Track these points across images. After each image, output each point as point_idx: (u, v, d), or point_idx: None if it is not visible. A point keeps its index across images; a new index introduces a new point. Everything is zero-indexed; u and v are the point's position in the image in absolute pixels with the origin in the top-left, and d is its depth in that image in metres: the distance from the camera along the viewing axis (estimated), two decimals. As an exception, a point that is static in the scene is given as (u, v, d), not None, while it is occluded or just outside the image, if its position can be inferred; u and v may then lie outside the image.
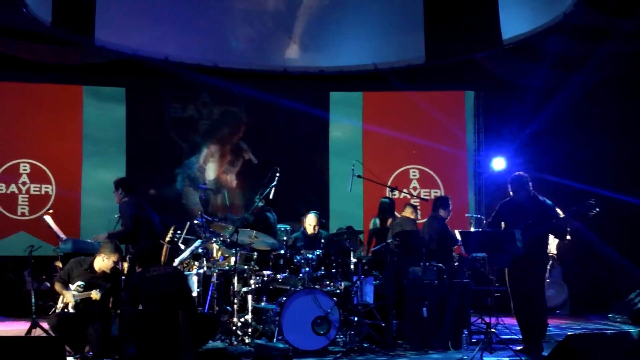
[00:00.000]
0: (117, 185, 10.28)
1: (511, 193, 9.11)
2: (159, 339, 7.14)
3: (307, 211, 11.32)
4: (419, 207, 11.97)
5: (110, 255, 8.65)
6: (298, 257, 9.55)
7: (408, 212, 11.12)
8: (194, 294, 9.88)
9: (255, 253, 10.10)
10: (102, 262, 8.66)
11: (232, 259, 9.64)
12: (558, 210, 9.04)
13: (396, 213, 11.68)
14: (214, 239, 9.96)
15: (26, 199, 14.48)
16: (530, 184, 9.05)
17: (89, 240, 10.45)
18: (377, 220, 11.65)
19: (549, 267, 10.28)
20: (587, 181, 12.63)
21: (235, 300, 9.44)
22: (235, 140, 15.42)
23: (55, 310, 8.74)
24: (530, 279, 8.83)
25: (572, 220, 8.99)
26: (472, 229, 12.13)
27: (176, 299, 7.90)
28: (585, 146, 14.39)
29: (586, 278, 14.48)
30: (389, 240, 10.09)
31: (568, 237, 9.86)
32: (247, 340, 9.13)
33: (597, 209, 8.56)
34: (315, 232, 10.91)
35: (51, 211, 10.92)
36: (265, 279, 9.75)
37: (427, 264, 9.68)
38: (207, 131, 15.41)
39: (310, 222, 10.98)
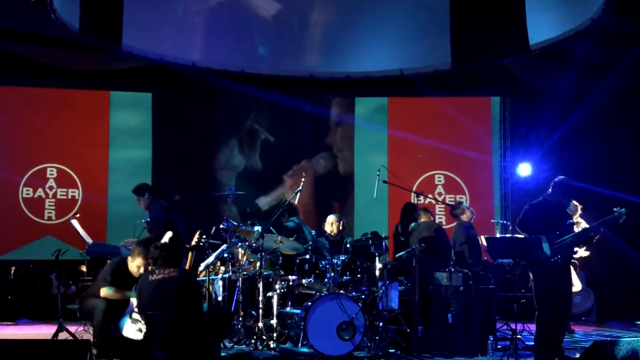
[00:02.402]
0: (143, 191, 10.28)
1: (548, 192, 8.93)
2: (184, 342, 7.15)
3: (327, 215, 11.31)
4: (439, 211, 11.90)
5: (135, 258, 8.49)
6: (323, 262, 9.55)
7: (424, 217, 11.11)
8: (220, 298, 9.91)
9: (281, 258, 10.12)
10: (131, 264, 8.57)
11: (258, 264, 9.66)
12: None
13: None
14: (240, 244, 9.97)
15: (53, 203, 14.59)
16: None
17: (115, 245, 10.46)
18: (400, 226, 11.60)
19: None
20: (615, 187, 12.56)
21: (261, 305, 9.46)
22: (248, 124, 15.47)
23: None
24: (558, 283, 8.74)
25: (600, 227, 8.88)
26: (498, 235, 12.07)
27: (177, 304, 7.68)
28: (613, 152, 14.32)
29: (612, 285, 14.38)
30: (414, 246, 10.06)
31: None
32: (272, 345, 9.14)
33: (625, 216, 8.49)
34: (337, 233, 10.86)
35: (78, 215, 10.94)
36: (291, 283, 9.75)
37: (453, 269, 9.65)
38: (232, 134, 15.46)
39: (329, 220, 10.94)
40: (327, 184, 15.43)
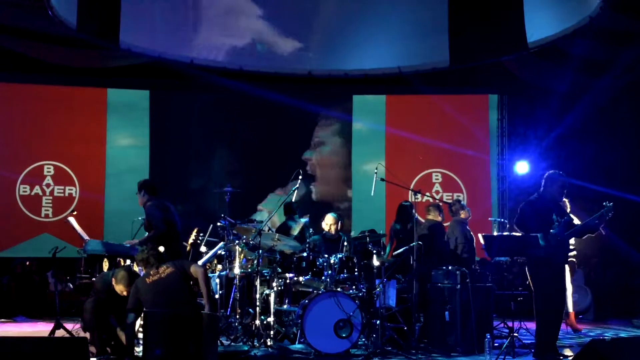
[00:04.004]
0: (141, 188, 10.26)
1: (541, 189, 8.93)
2: (182, 340, 7.13)
3: (325, 213, 11.29)
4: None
5: (118, 283, 8.34)
6: (321, 260, 9.52)
7: (432, 215, 11.08)
8: (217, 296, 9.90)
9: (278, 255, 10.09)
10: (115, 286, 8.42)
11: (255, 262, 9.64)
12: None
13: (419, 217, 11.63)
14: (237, 242, 9.95)
15: (50, 201, 14.54)
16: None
17: (112, 242, 10.41)
18: (398, 224, 11.58)
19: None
20: (612, 186, 12.54)
21: (258, 303, 9.44)
22: (246, 122, 15.47)
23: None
24: (556, 278, 8.73)
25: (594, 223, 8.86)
26: (495, 233, 12.06)
27: (175, 302, 7.65)
28: (611, 150, 14.31)
29: (610, 283, 14.38)
30: (412, 244, 10.04)
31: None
32: (269, 343, 9.13)
33: (612, 212, 8.48)
34: (335, 232, 10.84)
35: (75, 213, 10.92)
36: (288, 281, 9.73)
37: (450, 267, 9.64)
38: (230, 132, 15.43)
39: (327, 221, 10.90)
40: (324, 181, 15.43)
